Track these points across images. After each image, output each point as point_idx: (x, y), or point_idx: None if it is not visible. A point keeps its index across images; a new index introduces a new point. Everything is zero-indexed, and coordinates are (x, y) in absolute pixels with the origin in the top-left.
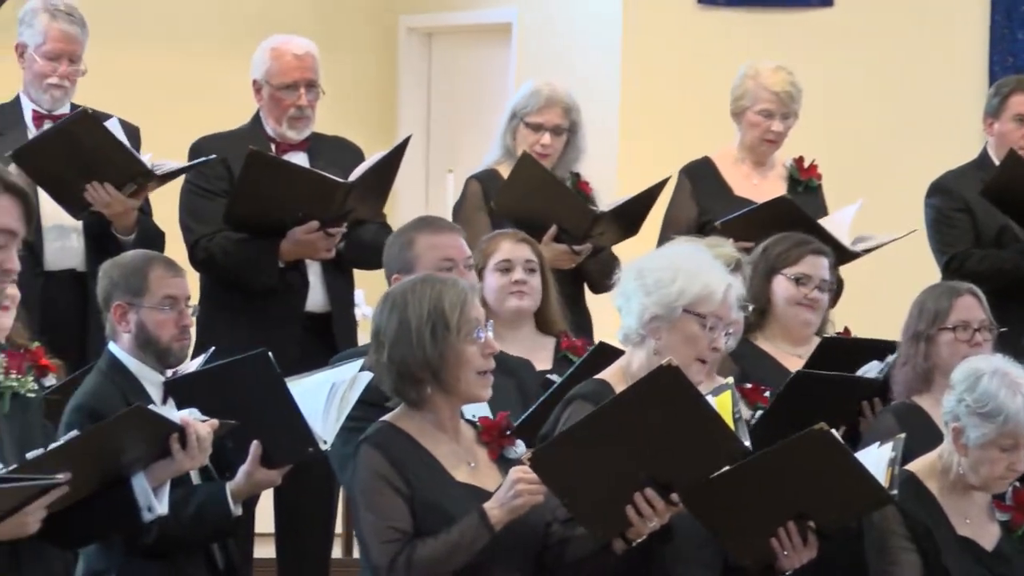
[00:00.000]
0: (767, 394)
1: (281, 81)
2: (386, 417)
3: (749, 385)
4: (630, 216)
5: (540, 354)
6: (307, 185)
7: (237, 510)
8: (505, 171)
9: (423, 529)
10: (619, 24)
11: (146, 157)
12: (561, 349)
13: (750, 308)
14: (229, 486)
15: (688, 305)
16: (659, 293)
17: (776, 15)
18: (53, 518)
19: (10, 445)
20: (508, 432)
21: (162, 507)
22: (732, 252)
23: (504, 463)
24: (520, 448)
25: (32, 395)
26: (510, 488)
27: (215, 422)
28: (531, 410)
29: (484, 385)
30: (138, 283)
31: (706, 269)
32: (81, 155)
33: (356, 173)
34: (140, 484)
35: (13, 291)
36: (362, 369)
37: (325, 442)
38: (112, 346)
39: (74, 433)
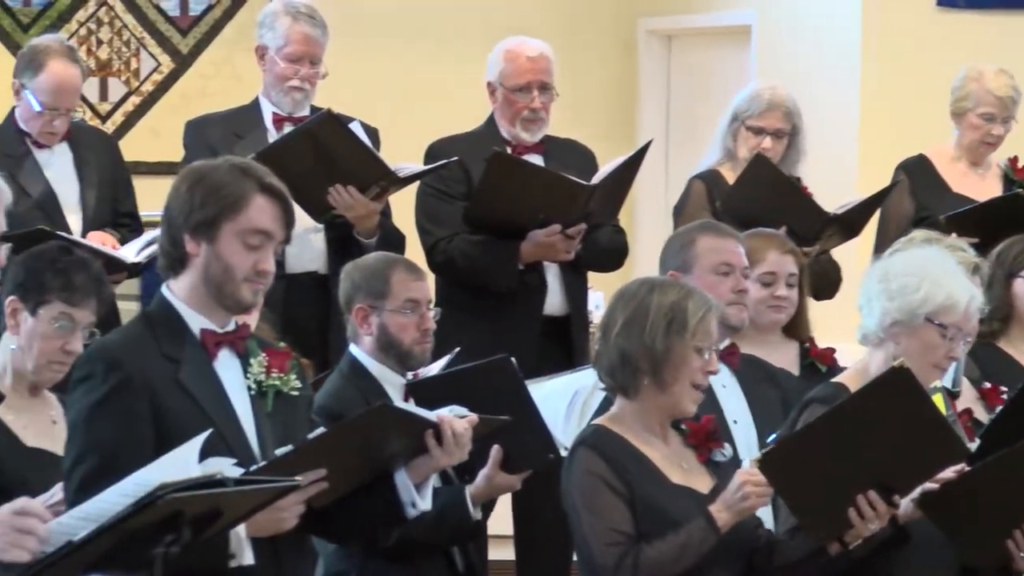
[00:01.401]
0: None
1: (515, 83)
2: (598, 420)
3: (988, 386)
4: (857, 219)
5: (785, 359)
6: (549, 187)
7: (477, 514)
8: (727, 172)
9: (643, 530)
10: (858, 26)
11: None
12: (808, 356)
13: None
14: (469, 489)
15: (930, 314)
16: (902, 299)
17: (1018, 17)
18: (319, 513)
19: (273, 444)
20: (715, 435)
21: (425, 503)
22: (972, 257)
23: (712, 466)
24: (728, 451)
25: (296, 393)
26: (737, 490)
27: (474, 417)
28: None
29: (695, 399)
30: (380, 286)
31: (951, 278)
32: (325, 158)
33: (599, 176)
34: (402, 480)
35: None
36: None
37: (565, 448)
38: (353, 348)
39: (318, 432)
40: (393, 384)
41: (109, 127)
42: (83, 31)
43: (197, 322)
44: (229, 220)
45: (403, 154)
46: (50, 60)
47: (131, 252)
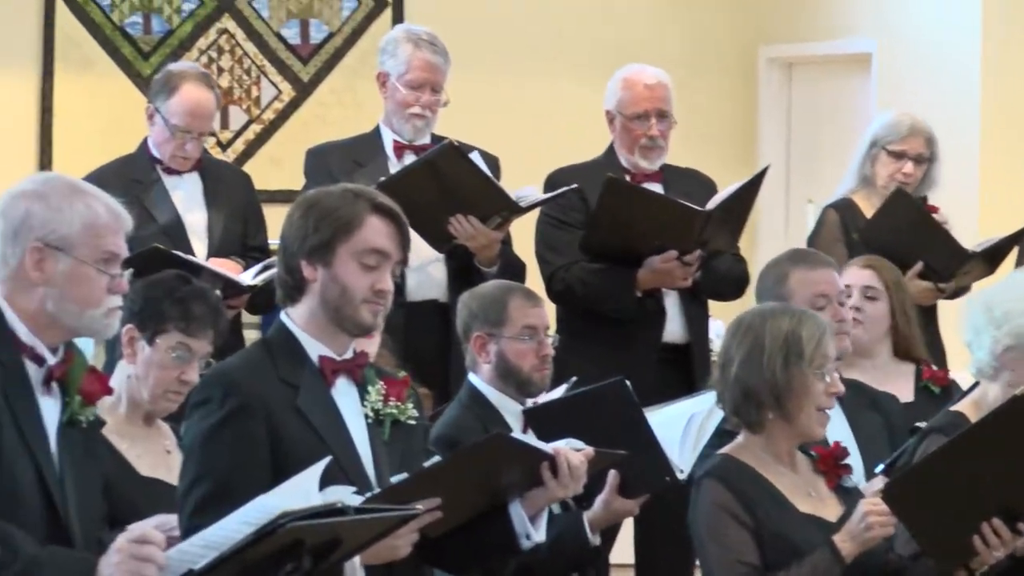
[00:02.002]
0: None
1: (633, 111)
2: (725, 449)
3: None
4: (996, 256)
5: (899, 382)
6: (665, 213)
7: (595, 540)
8: (861, 200)
9: (769, 561)
10: (978, 54)
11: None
12: (922, 379)
13: None
14: (587, 515)
15: None
16: (1010, 324)
17: None
18: (433, 542)
19: (390, 473)
20: (844, 461)
21: (539, 535)
22: None
23: (841, 492)
24: (856, 477)
25: (413, 422)
26: (861, 520)
27: (590, 451)
28: (899, 452)
29: (823, 422)
30: (497, 314)
31: None
32: (446, 188)
33: (714, 202)
34: (517, 511)
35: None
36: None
37: (682, 472)
38: (472, 377)
39: (434, 460)
40: (512, 412)
41: (230, 155)
42: (204, 59)
43: (316, 349)
44: (344, 242)
45: (523, 183)
46: (184, 83)
47: (248, 276)
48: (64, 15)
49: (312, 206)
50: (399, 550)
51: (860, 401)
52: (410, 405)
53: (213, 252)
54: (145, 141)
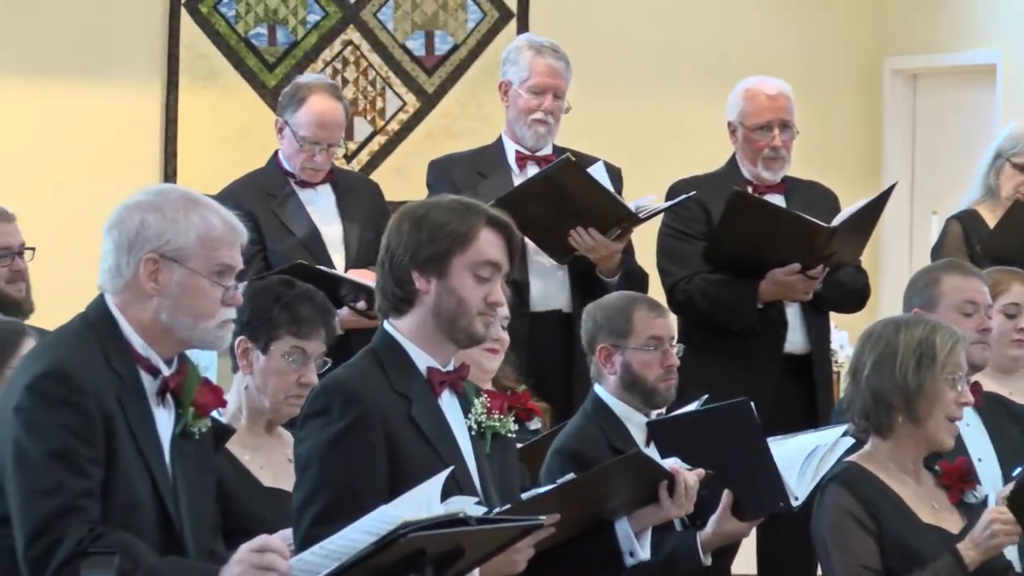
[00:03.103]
0: None
1: (755, 122)
2: (851, 457)
3: None
4: None
5: None
6: (789, 227)
7: (707, 560)
8: (985, 211)
9: (891, 568)
10: None
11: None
12: None
13: None
14: (700, 535)
15: None
16: None
17: None
18: (536, 557)
19: (492, 485)
20: (968, 477)
21: (644, 552)
22: None
23: (964, 508)
24: (980, 492)
25: (512, 436)
26: (985, 528)
27: (701, 472)
28: None
29: (951, 432)
30: (622, 324)
31: None
32: (565, 201)
33: (839, 218)
34: (623, 529)
35: (503, 335)
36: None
37: (796, 498)
38: (597, 388)
39: (570, 476)
40: (636, 424)
41: (355, 166)
42: (328, 71)
43: (423, 360)
44: (459, 254)
45: (650, 192)
46: (311, 95)
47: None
48: (189, 26)
49: (422, 217)
50: (517, 564)
51: (1000, 412)
52: (510, 419)
53: (351, 263)
54: (276, 154)
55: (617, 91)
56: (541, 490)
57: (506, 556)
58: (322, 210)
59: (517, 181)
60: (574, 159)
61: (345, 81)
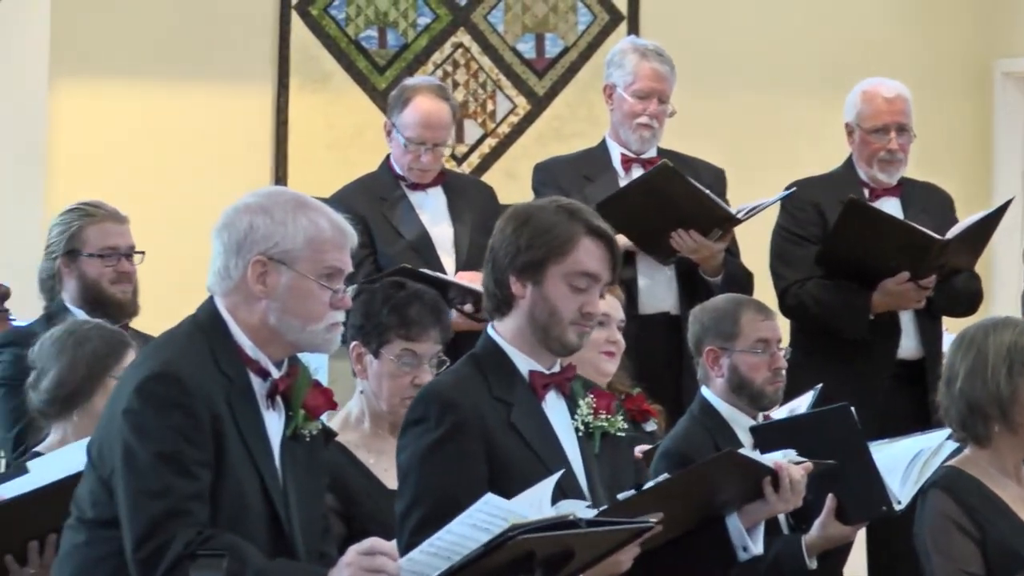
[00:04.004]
0: None
1: (872, 124)
2: (952, 461)
3: None
4: None
5: None
6: (903, 238)
7: (812, 563)
8: None
9: (994, 572)
10: None
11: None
12: None
13: None
14: (805, 538)
15: None
16: None
17: None
18: (648, 555)
19: (601, 485)
20: None
21: (757, 547)
22: None
23: None
24: None
25: (622, 435)
26: None
27: (809, 465)
28: None
29: None
30: (729, 327)
31: None
32: (665, 205)
33: (954, 231)
34: (735, 524)
35: (619, 338)
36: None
37: (899, 502)
38: (705, 391)
39: (664, 476)
40: (743, 427)
41: (465, 169)
42: (439, 73)
43: (525, 364)
44: (556, 263)
45: (759, 192)
46: (416, 96)
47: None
48: (299, 29)
49: (525, 221)
50: (622, 565)
51: None
52: (619, 417)
53: (461, 265)
54: (388, 158)
55: (727, 93)
56: (638, 491)
57: (611, 558)
58: (433, 213)
59: (623, 184)
60: (671, 165)
61: (455, 84)
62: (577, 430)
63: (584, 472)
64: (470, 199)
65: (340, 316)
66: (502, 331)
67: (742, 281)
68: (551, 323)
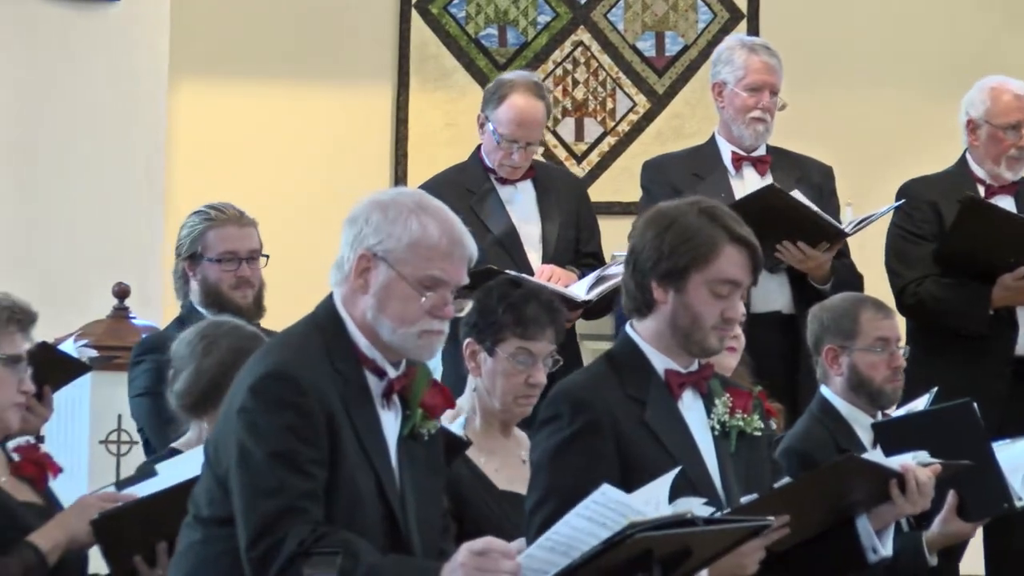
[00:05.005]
0: None
1: (1003, 121)
2: None
3: None
4: None
5: None
6: (1020, 232)
7: (932, 559)
8: None
9: None
10: None
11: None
12: None
13: None
14: (925, 535)
15: None
16: None
17: None
18: (779, 557)
19: (737, 485)
20: None
21: (886, 549)
22: None
23: None
24: None
25: (758, 433)
26: None
27: (937, 467)
28: None
29: None
30: (849, 326)
31: None
32: (776, 219)
33: None
34: (864, 526)
35: (740, 333)
36: None
37: (1020, 499)
38: (824, 389)
39: (786, 480)
40: (863, 425)
41: (584, 167)
42: (559, 71)
43: (662, 363)
44: (699, 270)
45: (869, 196)
46: (513, 92)
47: (582, 290)
48: (419, 28)
49: (668, 226)
50: (747, 568)
51: None
52: (756, 416)
53: (547, 261)
54: (478, 149)
55: (846, 91)
56: (756, 496)
57: (735, 559)
58: (521, 207)
59: (734, 182)
60: (777, 187)
61: (576, 82)
62: (713, 429)
63: (719, 471)
64: (559, 193)
65: (438, 325)
66: (641, 331)
67: (854, 285)
68: (693, 329)
